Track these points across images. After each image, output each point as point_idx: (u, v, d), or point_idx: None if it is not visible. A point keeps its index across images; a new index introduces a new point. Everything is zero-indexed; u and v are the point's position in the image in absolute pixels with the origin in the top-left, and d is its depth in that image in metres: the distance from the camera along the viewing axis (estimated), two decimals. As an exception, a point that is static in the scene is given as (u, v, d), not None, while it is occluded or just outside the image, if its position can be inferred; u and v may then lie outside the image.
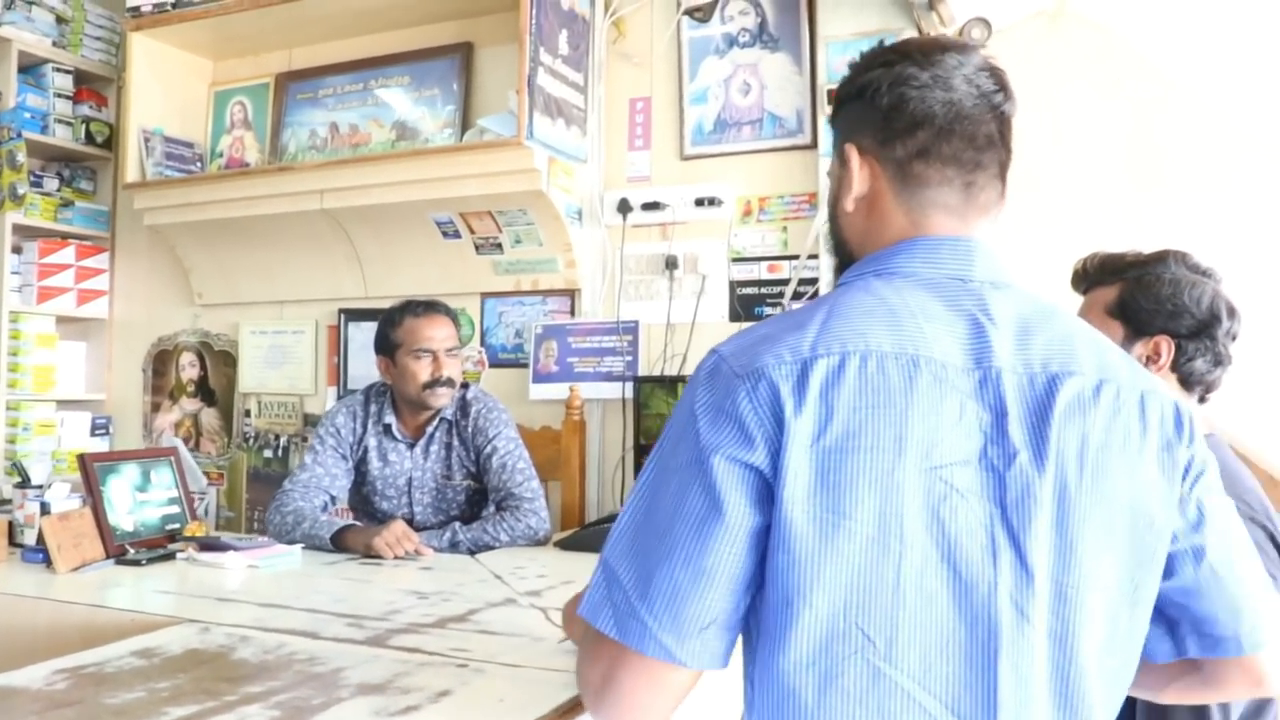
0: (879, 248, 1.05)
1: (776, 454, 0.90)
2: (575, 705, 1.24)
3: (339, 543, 2.34)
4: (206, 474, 3.77)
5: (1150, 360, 1.65)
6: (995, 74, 1.06)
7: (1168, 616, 1.04)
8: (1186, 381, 1.66)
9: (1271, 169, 3.72)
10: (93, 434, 3.87)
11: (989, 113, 1.04)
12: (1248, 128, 3.74)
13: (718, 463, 0.92)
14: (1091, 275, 1.77)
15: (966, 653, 0.90)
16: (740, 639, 0.98)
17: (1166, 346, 1.64)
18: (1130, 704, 1.65)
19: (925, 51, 1.05)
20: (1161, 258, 1.69)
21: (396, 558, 2.27)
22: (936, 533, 0.90)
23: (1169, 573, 1.01)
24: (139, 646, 1.52)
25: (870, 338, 0.93)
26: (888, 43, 1.12)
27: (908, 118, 1.04)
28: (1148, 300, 1.65)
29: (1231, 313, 1.66)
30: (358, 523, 2.54)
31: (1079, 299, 1.91)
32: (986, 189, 1.05)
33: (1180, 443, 1.00)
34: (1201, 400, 1.71)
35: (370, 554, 2.29)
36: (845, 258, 1.11)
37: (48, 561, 2.10)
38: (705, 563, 0.92)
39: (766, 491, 0.91)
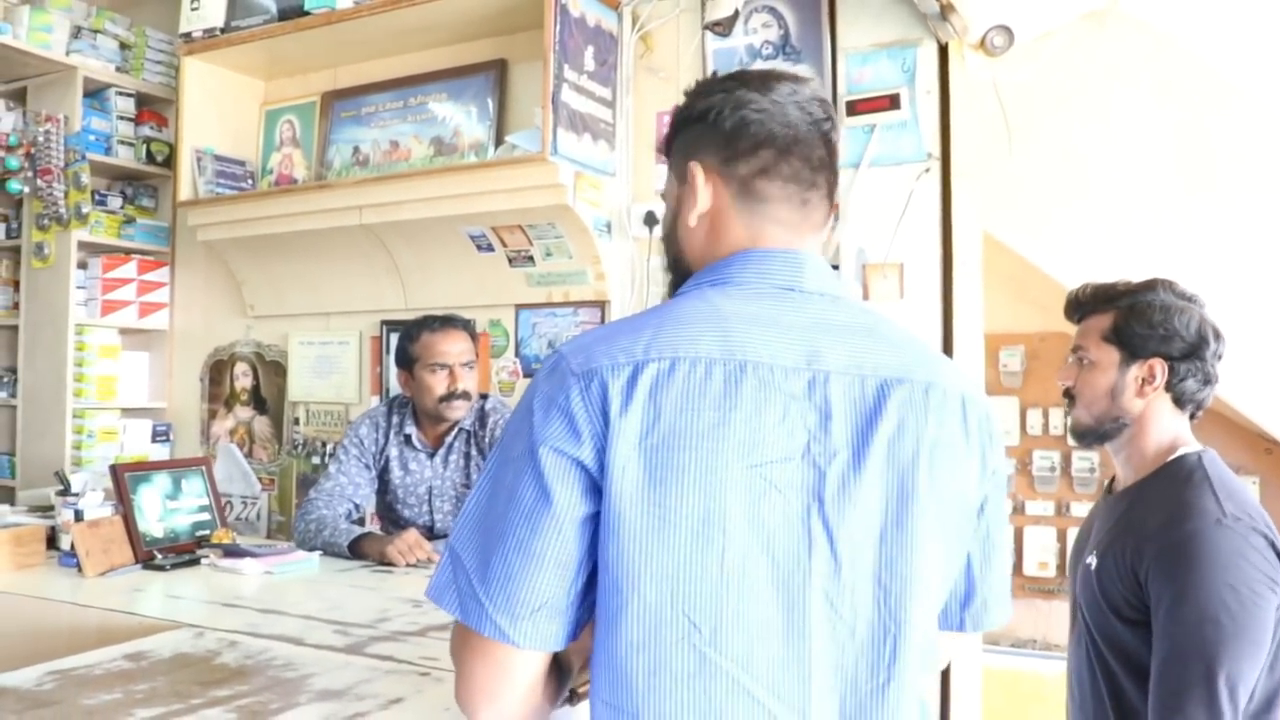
0: (716, 260, 1.11)
1: (602, 450, 0.96)
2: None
3: (356, 550, 2.43)
4: (260, 479, 3.92)
5: (1146, 382, 1.77)
6: (823, 104, 1.12)
7: None
8: (1179, 400, 1.78)
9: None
10: (154, 440, 4.04)
11: (819, 138, 1.11)
12: (1307, 128, 3.62)
13: (546, 455, 0.97)
14: (1085, 304, 1.89)
15: (785, 638, 0.97)
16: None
17: (1161, 369, 1.76)
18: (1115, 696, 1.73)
19: (763, 79, 1.12)
20: (1151, 286, 1.82)
21: (408, 565, 2.35)
22: (757, 526, 0.96)
23: None
24: (133, 650, 1.61)
25: (700, 345, 0.99)
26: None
27: (750, 138, 1.10)
28: (1141, 326, 1.77)
29: (1217, 335, 1.77)
30: (376, 531, 2.62)
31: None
32: (819, 208, 1.12)
33: (991, 443, 1.10)
34: (1193, 417, 1.82)
35: (384, 561, 2.37)
36: (683, 272, 1.16)
37: (80, 566, 2.22)
38: (534, 547, 0.97)
39: (591, 484, 0.97)
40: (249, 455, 3.97)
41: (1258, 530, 1.61)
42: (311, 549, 2.47)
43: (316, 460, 3.81)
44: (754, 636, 0.96)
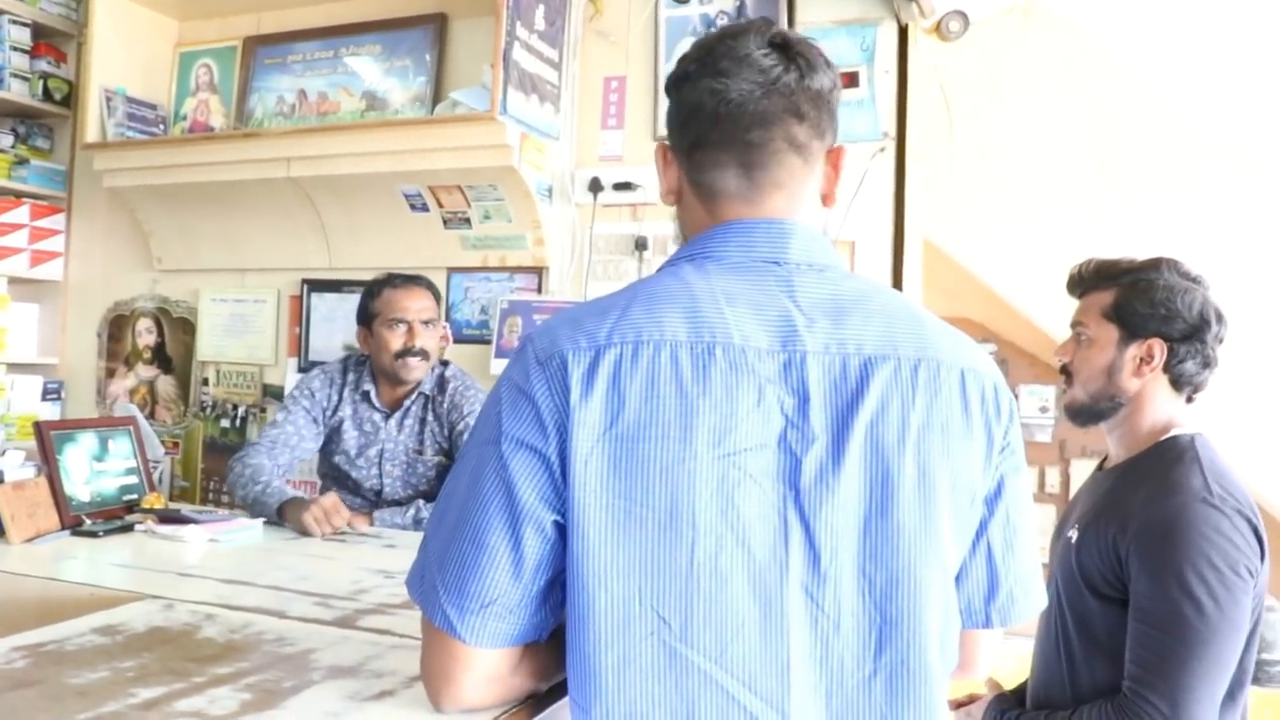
0: (696, 233, 1.09)
1: (565, 442, 0.93)
2: (550, 690, 1.23)
3: (281, 514, 2.31)
4: (162, 442, 3.71)
5: (1144, 361, 1.74)
6: (781, 48, 1.05)
7: None
8: (1177, 382, 1.76)
9: (1230, 168, 3.78)
10: (44, 399, 3.79)
11: (765, 89, 1.03)
12: (1208, 127, 3.79)
13: (511, 448, 0.95)
14: (1087, 280, 1.85)
15: (761, 632, 0.93)
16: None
17: (1160, 349, 1.73)
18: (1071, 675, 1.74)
19: (703, 44, 1.08)
20: (1155, 265, 1.78)
21: (323, 536, 2.22)
22: (732, 517, 0.93)
23: None
24: (100, 623, 1.49)
25: (666, 327, 0.95)
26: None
27: (685, 111, 1.08)
28: (1143, 304, 1.75)
29: (1219, 318, 1.75)
30: (305, 496, 2.48)
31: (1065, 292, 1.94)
32: (770, 166, 1.05)
33: (999, 418, 1.03)
34: (1189, 400, 1.81)
35: (303, 531, 2.24)
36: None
37: (1, 532, 2.05)
38: (488, 542, 0.95)
39: (552, 480, 0.94)
40: (151, 416, 3.76)
41: (1242, 513, 1.60)
42: (243, 495, 2.37)
43: (226, 423, 3.63)
44: (728, 630, 0.92)
